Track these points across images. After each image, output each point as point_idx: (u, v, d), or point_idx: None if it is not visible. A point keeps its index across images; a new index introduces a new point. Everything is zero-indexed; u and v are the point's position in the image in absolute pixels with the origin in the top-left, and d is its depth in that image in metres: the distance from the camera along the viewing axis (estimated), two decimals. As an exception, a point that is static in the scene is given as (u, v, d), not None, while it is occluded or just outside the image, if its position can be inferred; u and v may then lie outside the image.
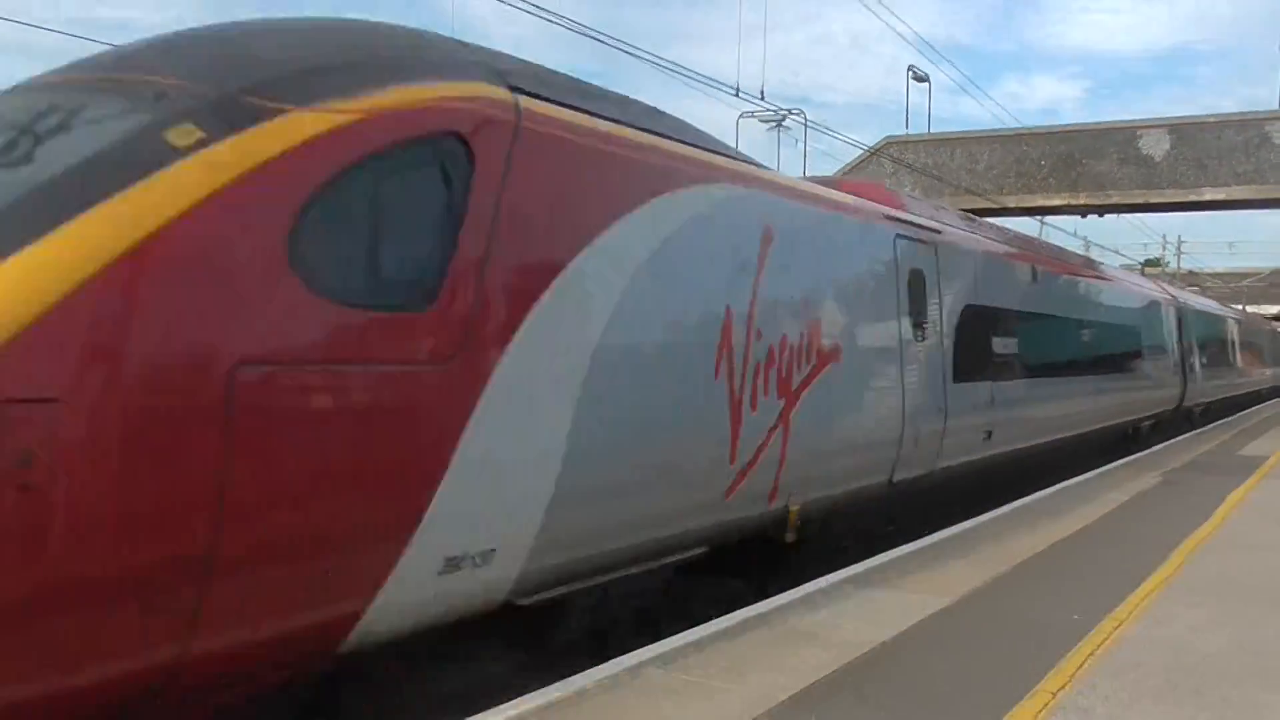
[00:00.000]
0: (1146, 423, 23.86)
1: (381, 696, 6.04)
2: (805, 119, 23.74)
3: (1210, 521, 11.65)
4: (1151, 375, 23.31)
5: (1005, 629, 7.12)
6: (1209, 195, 30.94)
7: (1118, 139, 31.71)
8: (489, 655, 6.90)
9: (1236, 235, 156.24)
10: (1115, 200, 32.07)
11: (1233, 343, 36.61)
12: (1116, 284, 21.86)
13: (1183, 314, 27.01)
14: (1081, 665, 6.28)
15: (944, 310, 12.12)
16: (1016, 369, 14.59)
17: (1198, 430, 26.37)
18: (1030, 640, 6.81)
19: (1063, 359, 16.99)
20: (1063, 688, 5.88)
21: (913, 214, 12.06)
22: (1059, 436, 16.85)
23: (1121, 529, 11.22)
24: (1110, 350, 20.00)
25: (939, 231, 12.38)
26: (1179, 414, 26.86)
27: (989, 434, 13.37)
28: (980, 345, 13.24)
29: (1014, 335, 14.60)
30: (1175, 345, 25.85)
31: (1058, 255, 19.26)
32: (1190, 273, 68.48)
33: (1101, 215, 34.86)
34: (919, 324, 11.35)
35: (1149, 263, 59.44)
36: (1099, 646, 6.68)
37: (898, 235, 11.10)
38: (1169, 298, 26.43)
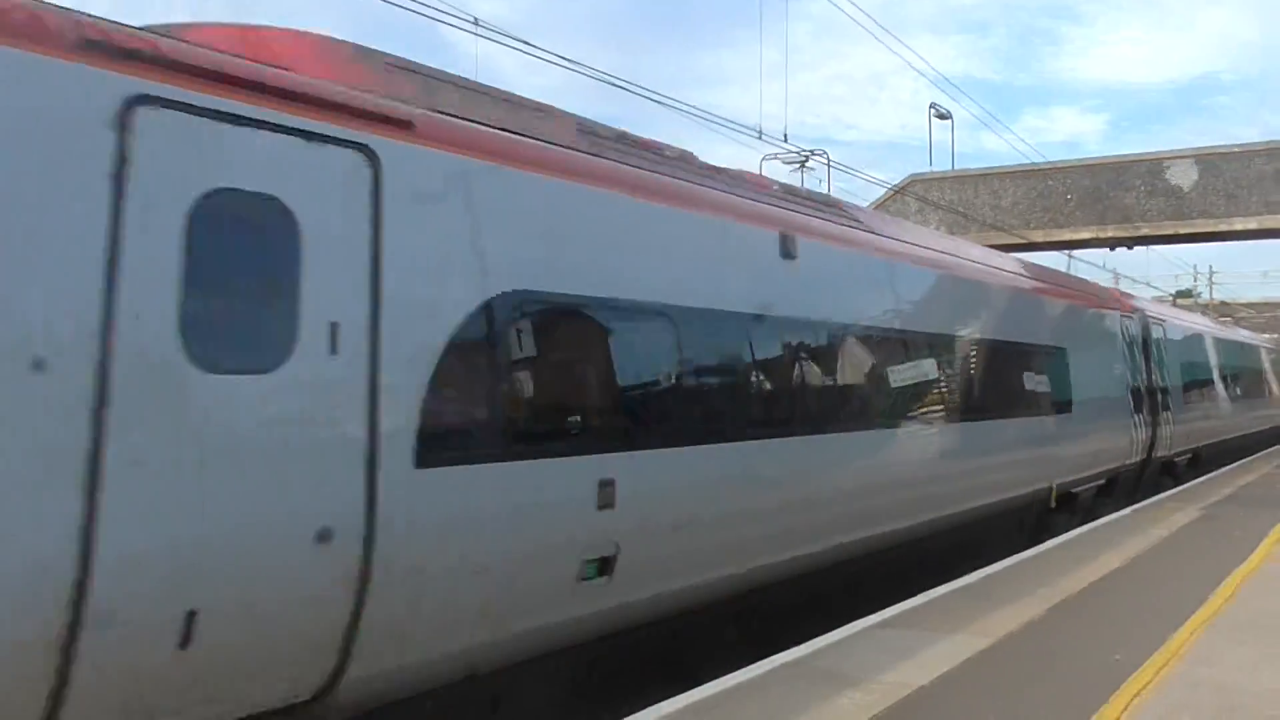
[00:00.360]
0: (1085, 487, 16.13)
1: None
2: (828, 159, 23.77)
3: (1253, 557, 11.42)
4: (1087, 418, 15.89)
5: (1047, 671, 6.98)
6: (1239, 225, 30.67)
7: (1144, 170, 31.54)
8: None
9: (1271, 265, 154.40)
10: (1144, 232, 31.83)
11: (1239, 371, 29.90)
12: (1012, 283, 14.57)
13: (1151, 333, 20.22)
14: (1126, 707, 6.14)
15: (393, 300, 5.48)
16: (714, 417, 7.83)
17: (1239, 462, 25.70)
18: (1074, 682, 6.68)
19: (875, 397, 10.13)
20: (1108, 731, 5.75)
21: (325, 89, 5.52)
22: (854, 538, 9.60)
23: (1163, 566, 11.02)
24: (989, 382, 12.73)
25: (406, 126, 5.82)
26: (1149, 468, 19.75)
27: (602, 565, 6.68)
28: (566, 375, 6.87)
29: (711, 355, 7.94)
30: (1137, 375, 18.99)
31: (876, 227, 11.29)
32: (1223, 303, 67.80)
33: (1130, 248, 34.58)
34: (256, 332, 5.05)
35: (1180, 294, 58.94)
36: (1144, 687, 6.54)
37: (142, 100, 4.62)
38: (1126, 310, 19.27)
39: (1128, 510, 15.94)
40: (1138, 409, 18.50)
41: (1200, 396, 24.29)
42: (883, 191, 33.45)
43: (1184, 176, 31.03)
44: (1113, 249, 34.73)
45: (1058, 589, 9.64)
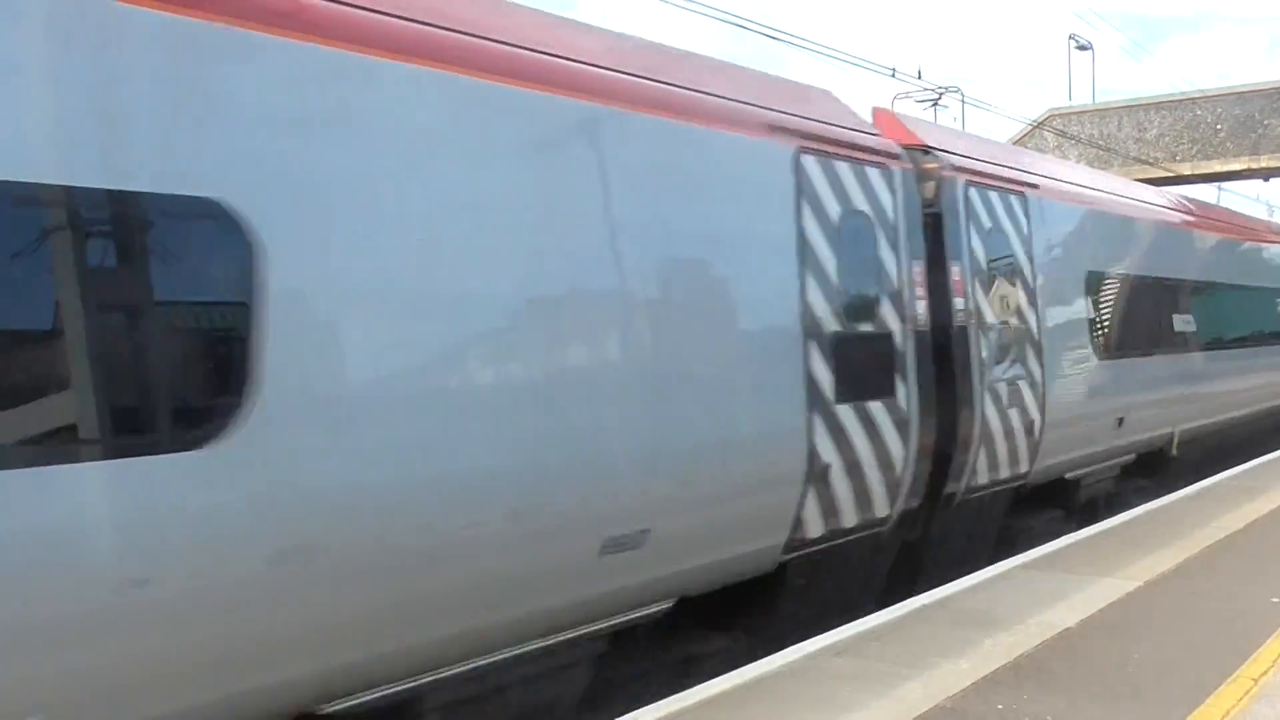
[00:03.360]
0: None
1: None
2: (962, 96, 23.12)
3: None
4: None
5: (1198, 614, 6.82)
6: None
7: (1303, 96, 29.84)
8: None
9: None
10: (1302, 161, 30.19)
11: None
12: None
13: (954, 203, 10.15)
14: (1285, 650, 5.98)
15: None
16: None
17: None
18: (1226, 625, 6.52)
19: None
20: (1265, 673, 5.61)
21: None
22: None
23: (1323, 508, 10.59)
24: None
25: None
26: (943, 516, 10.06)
27: None
28: None
29: None
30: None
31: None
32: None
33: (1287, 178, 32.87)
34: None
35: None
36: (1304, 630, 6.34)
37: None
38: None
39: (1283, 452, 15.36)
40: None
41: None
42: (1020, 127, 32.42)
43: (1347, 100, 29.25)
44: (1267, 180, 33.06)
45: (1213, 530, 9.36)
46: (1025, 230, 9.78)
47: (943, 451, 8.51)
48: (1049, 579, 7.73)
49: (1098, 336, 11.15)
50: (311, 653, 4.62)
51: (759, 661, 5.91)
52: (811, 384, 6.98)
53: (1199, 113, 31.21)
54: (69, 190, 3.98)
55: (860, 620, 6.75)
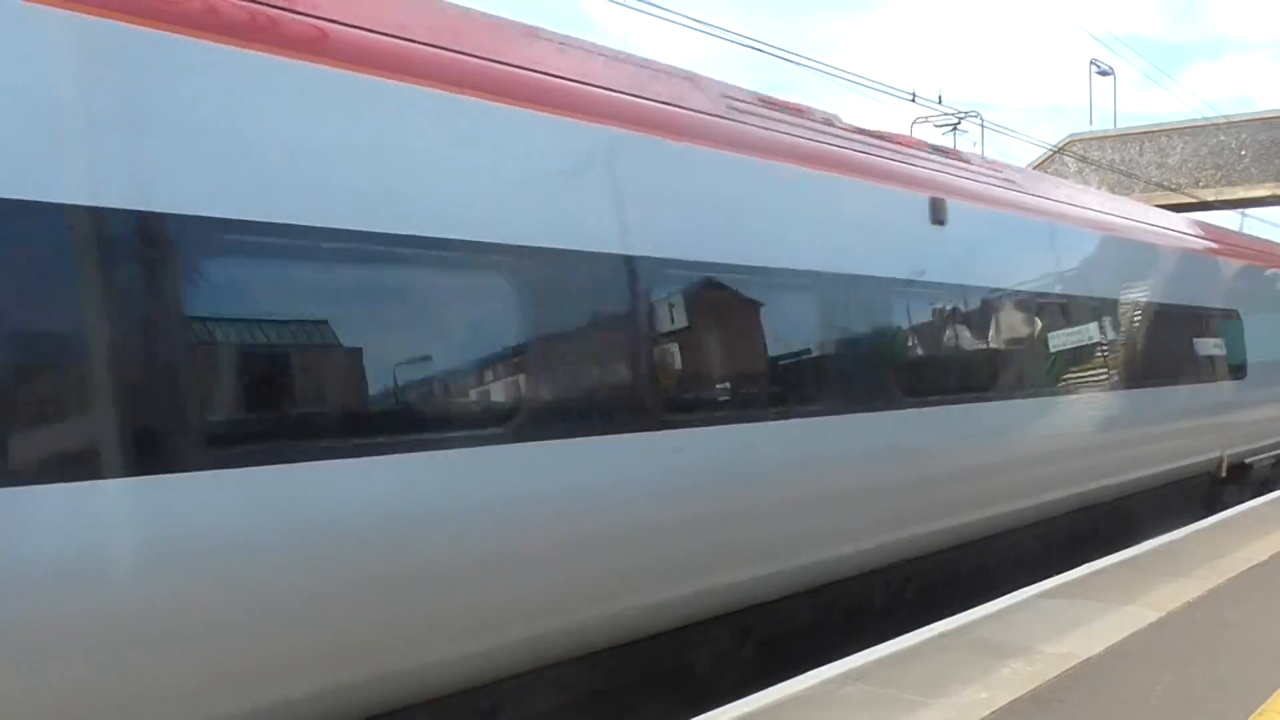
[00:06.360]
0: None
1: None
2: (982, 121, 23.06)
3: None
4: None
5: (1224, 644, 6.70)
6: None
7: (1328, 122, 29.65)
8: None
9: None
10: (1328, 188, 29.98)
11: None
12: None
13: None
14: (1313, 684, 5.85)
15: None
16: None
17: None
18: (1253, 657, 6.39)
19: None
20: (1293, 707, 5.49)
21: None
22: None
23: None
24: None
25: None
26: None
27: None
28: None
29: None
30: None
31: None
32: None
33: (1312, 205, 32.61)
34: None
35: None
36: (1332, 664, 6.21)
37: None
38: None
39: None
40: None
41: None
42: (1040, 153, 32.34)
43: (1373, 127, 29.06)
44: (1292, 207, 32.82)
45: (1238, 560, 9.22)
46: None
47: None
48: (1070, 607, 7.61)
49: None
50: None
51: (774, 687, 5.82)
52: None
53: (1222, 138, 31.06)
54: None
55: (878, 646, 6.66)
